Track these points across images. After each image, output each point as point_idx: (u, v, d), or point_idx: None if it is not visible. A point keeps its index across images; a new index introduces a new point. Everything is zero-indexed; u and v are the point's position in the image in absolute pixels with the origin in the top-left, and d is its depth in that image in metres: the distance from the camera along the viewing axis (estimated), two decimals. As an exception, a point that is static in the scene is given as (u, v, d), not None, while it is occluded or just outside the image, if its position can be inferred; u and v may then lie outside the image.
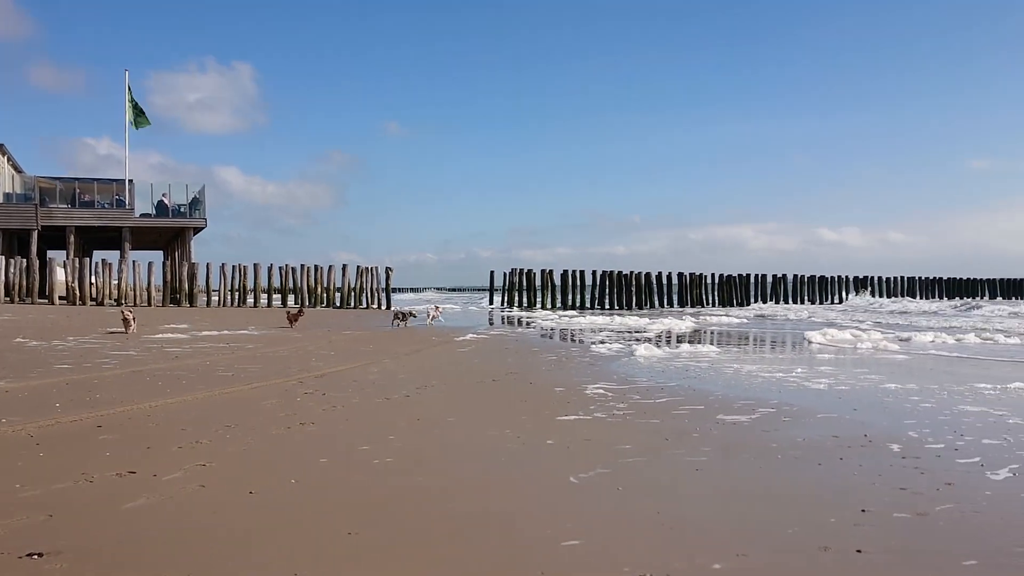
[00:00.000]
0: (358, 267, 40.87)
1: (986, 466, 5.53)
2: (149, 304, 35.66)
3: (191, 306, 36.04)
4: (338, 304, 39.92)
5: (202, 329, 20.02)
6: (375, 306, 40.48)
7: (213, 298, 38.28)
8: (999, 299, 60.62)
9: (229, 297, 37.77)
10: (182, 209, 40.92)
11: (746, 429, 6.97)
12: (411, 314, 23.65)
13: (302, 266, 39.55)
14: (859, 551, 3.75)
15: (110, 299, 35.84)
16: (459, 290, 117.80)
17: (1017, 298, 62.00)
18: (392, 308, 25.79)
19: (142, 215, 39.85)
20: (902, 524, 4.20)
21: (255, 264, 38.52)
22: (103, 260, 36.22)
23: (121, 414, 7.26)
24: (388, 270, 41.30)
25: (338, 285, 40.31)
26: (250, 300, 38.11)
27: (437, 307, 27.23)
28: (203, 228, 41.29)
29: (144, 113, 40.76)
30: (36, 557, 3.55)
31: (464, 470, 5.44)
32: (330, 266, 40.27)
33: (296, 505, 4.47)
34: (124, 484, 4.85)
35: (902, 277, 60.39)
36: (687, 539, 3.93)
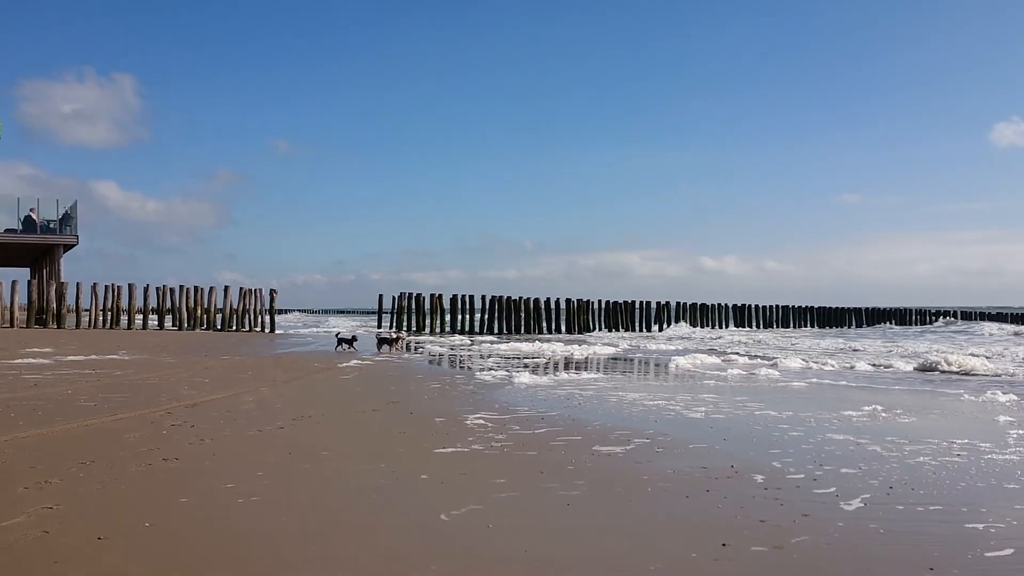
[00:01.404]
0: (241, 288, 39.69)
1: (840, 496, 5.78)
2: (12, 325, 33.56)
3: (59, 327, 34.12)
4: (219, 327, 38.61)
5: (68, 353, 18.95)
6: (258, 329, 39.35)
7: (84, 319, 36.36)
8: (864, 327, 64.22)
9: (101, 318, 35.98)
10: (52, 225, 38.83)
11: (620, 460, 7.08)
12: (354, 339, 23.67)
13: (181, 287, 38.12)
14: (716, 587, 3.84)
15: (-33, 319, 33.50)
16: (348, 312, 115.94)
17: (882, 324, 65.87)
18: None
19: (6, 231, 37.60)
20: (759, 558, 4.34)
21: (130, 284, 36.90)
22: (-39, 277, 33.87)
23: (-37, 451, 6.76)
24: (272, 292, 40.25)
25: (219, 307, 39.01)
26: (124, 321, 36.39)
27: (399, 334, 26.51)
28: (75, 245, 39.28)
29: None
30: None
31: (332, 509, 5.30)
32: (211, 287, 38.96)
33: (146, 552, 4.24)
34: (-43, 531, 4.49)
35: (777, 306, 63.16)
36: (552, 579, 3.94)
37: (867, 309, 69.48)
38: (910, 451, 7.61)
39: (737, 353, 24.78)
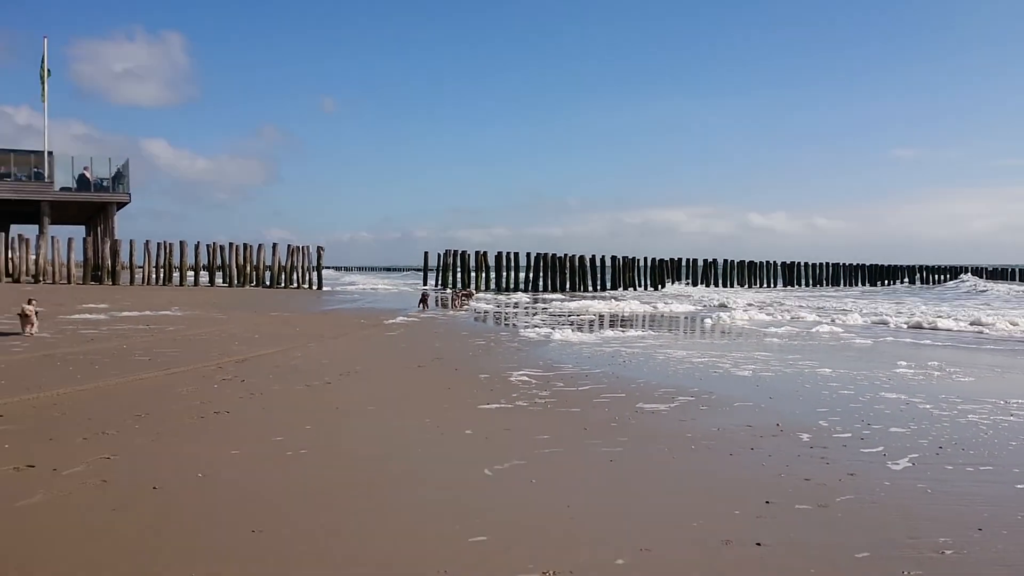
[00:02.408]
0: (289, 246, 40.16)
1: (888, 455, 5.71)
2: (69, 282, 34.48)
3: (113, 284, 34.97)
4: (268, 283, 39.22)
5: (122, 309, 19.44)
6: (305, 286, 39.89)
7: (137, 276, 37.19)
8: (917, 285, 62.85)
9: (154, 275, 36.76)
10: (105, 183, 39.59)
11: (664, 418, 7.07)
12: (425, 298, 24.01)
13: (231, 244, 38.70)
14: (759, 544, 3.83)
15: (27, 275, 34.50)
16: (394, 270, 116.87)
17: (935, 284, 64.37)
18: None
19: (62, 189, 38.43)
20: (803, 516, 4.32)
21: (181, 241, 37.55)
22: (20, 235, 34.83)
23: (24, 403, 7.00)
24: (320, 249, 40.69)
25: (268, 264, 39.57)
26: (176, 278, 37.17)
27: (468, 291, 26.95)
28: (127, 203, 40.05)
29: (44, 82, 39.19)
30: (-84, 561, 3.39)
31: (378, 462, 5.39)
32: (259, 244, 39.50)
33: (201, 501, 4.37)
34: (21, 479, 4.67)
35: (827, 263, 62.08)
36: (595, 533, 3.97)
37: (921, 267, 67.91)
38: (963, 411, 7.48)
39: (787, 311, 24.47)
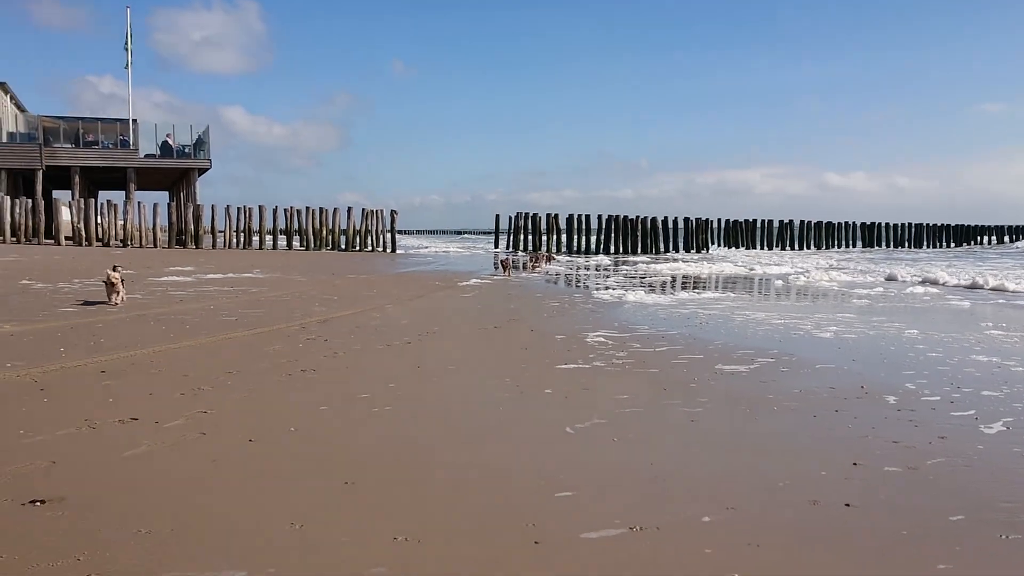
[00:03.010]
0: (363, 210, 40.75)
1: (980, 419, 5.56)
2: (155, 246, 35.73)
3: (197, 248, 36.10)
4: (343, 247, 39.93)
5: (207, 272, 20.09)
6: (380, 249, 40.48)
7: (219, 240, 38.29)
8: (1006, 245, 60.26)
9: (234, 239, 37.79)
10: (186, 150, 40.69)
11: (744, 379, 7.01)
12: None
13: (307, 208, 39.47)
14: (847, 505, 3.80)
15: (116, 240, 35.87)
16: (464, 233, 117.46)
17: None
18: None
19: (146, 155, 39.64)
20: (892, 478, 4.25)
21: (260, 206, 38.46)
22: (108, 201, 36.15)
23: (124, 359, 7.34)
24: (393, 213, 41.19)
25: (343, 227, 40.25)
26: (255, 242, 38.14)
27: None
28: (208, 169, 41.12)
29: (128, 52, 40.33)
30: (39, 504, 3.62)
31: (461, 419, 5.50)
32: (335, 209, 40.17)
33: (295, 453, 4.54)
34: (126, 431, 4.92)
35: (909, 223, 60.02)
36: (679, 491, 3.99)
37: (1010, 227, 65.09)
38: (1058, 375, 7.21)
39: (869, 272, 23.82)
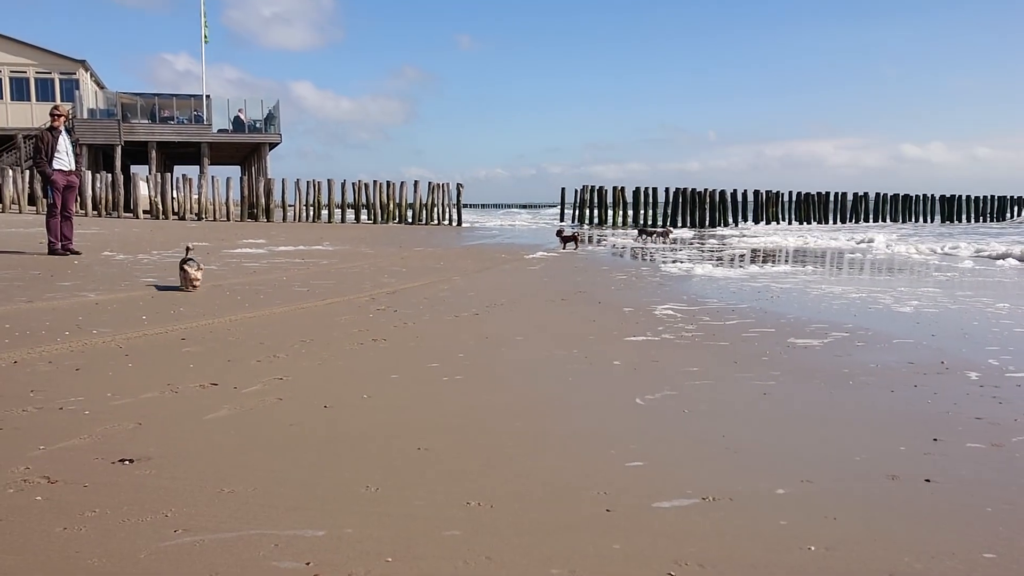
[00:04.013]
0: (429, 183, 41.07)
1: (1069, 397, 5.35)
2: (228, 219, 36.62)
3: (267, 221, 36.88)
4: (409, 220, 40.33)
5: (278, 244, 20.52)
6: (446, 222, 40.75)
7: (289, 213, 39.06)
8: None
9: (303, 212, 38.49)
10: (257, 125, 41.54)
11: (817, 353, 6.87)
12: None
13: (374, 182, 39.93)
14: (928, 480, 3.71)
15: (191, 213, 36.89)
16: (530, 207, 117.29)
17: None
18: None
19: (219, 131, 40.62)
20: (975, 454, 4.13)
21: (328, 180, 39.06)
22: (183, 175, 37.17)
23: (203, 327, 7.56)
24: (459, 186, 41.40)
25: (409, 201, 40.63)
26: (324, 215, 38.77)
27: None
28: (278, 144, 41.93)
29: (207, 28, 41.21)
30: (127, 463, 3.77)
31: (530, 389, 5.52)
32: (402, 182, 40.55)
33: (368, 420, 4.63)
34: (207, 395, 5.08)
35: (992, 196, 57.73)
36: (752, 463, 3.94)
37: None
38: None
39: (952, 245, 23.03)
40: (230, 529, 3.06)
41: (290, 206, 39.14)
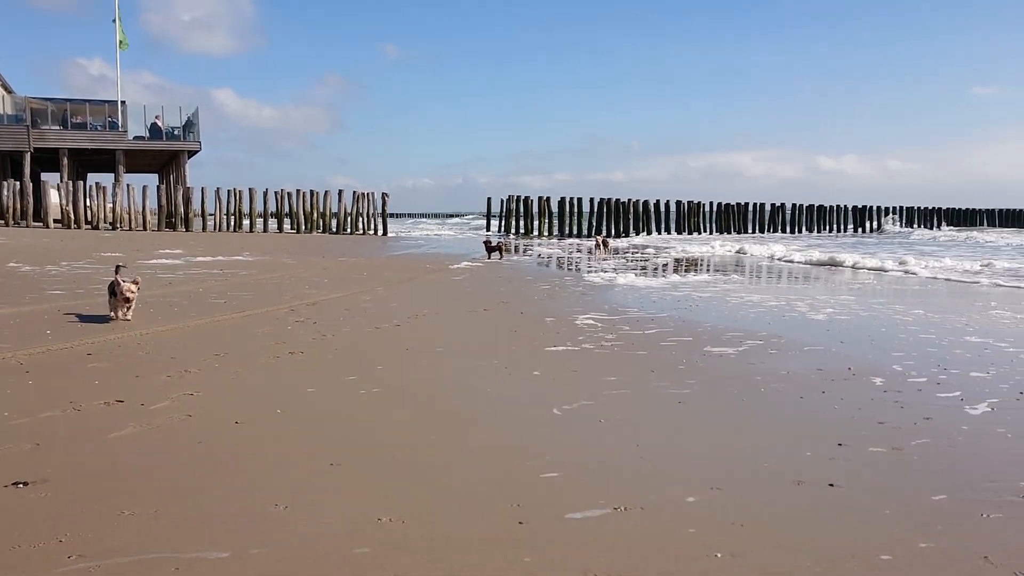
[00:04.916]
0: (354, 192, 40.62)
1: (966, 400, 5.59)
2: (144, 228, 35.54)
3: (186, 231, 35.93)
4: (334, 230, 39.81)
5: (196, 255, 20.00)
6: (371, 232, 40.38)
7: (208, 222, 38.12)
8: (999, 229, 60.46)
9: (224, 222, 37.63)
10: (176, 132, 40.42)
11: (732, 361, 7.02)
12: (502, 247, 22.17)
13: (298, 191, 39.30)
14: (832, 485, 3.81)
15: (105, 223, 35.66)
16: (457, 216, 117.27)
17: (1018, 227, 61.86)
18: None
19: (135, 137, 39.36)
20: (877, 458, 4.27)
21: (250, 188, 38.28)
22: (97, 183, 35.90)
23: (111, 342, 7.30)
24: (384, 196, 41.06)
25: (334, 210, 40.10)
26: (245, 225, 37.97)
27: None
28: (197, 151, 40.87)
29: (124, 34, 40.01)
30: (21, 486, 3.61)
31: (449, 401, 5.49)
32: (326, 191, 40.03)
33: (281, 435, 4.53)
34: (112, 413, 4.90)
35: (901, 207, 60.12)
36: (664, 472, 4.00)
37: (1001, 210, 65.26)
38: (1045, 356, 7.24)
39: (864, 255, 23.86)
40: (128, 553, 2.95)
41: (210, 215, 38.18)
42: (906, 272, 18.08)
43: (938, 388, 5.97)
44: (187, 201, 36.73)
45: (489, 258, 21.33)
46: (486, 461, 4.14)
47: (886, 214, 58.84)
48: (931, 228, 59.08)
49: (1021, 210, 66.37)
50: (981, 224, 62.92)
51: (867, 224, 57.41)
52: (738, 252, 26.70)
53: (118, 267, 8.87)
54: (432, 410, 5.19)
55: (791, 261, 22.39)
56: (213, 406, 5.14)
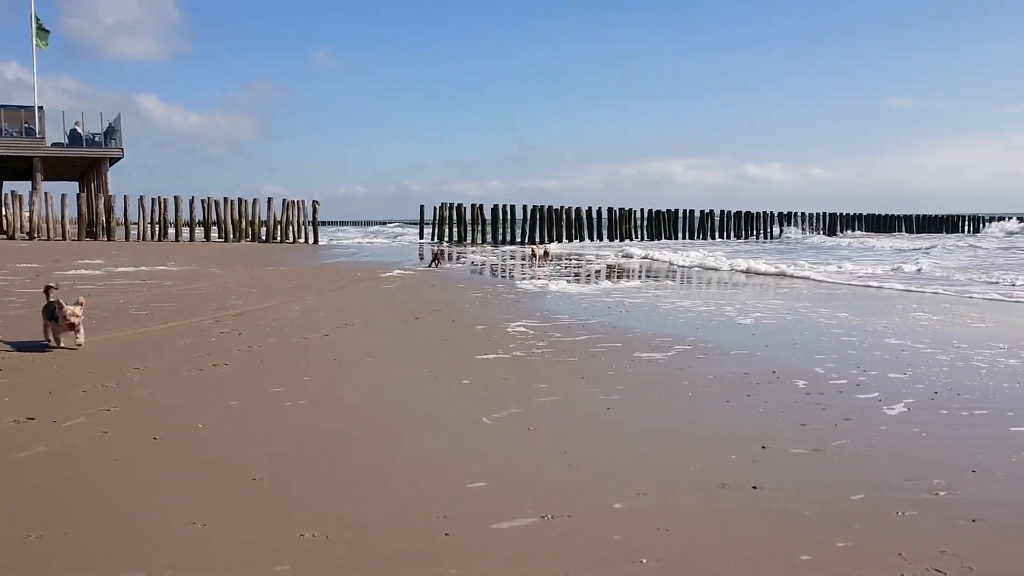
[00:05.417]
0: (284, 200, 40.04)
1: (884, 400, 5.75)
2: (64, 238, 34.37)
3: (108, 240, 34.87)
4: (263, 238, 39.13)
5: (118, 265, 19.40)
6: (301, 240, 39.82)
7: (132, 232, 37.08)
8: (917, 234, 62.73)
9: (149, 231, 36.67)
10: (97, 138, 39.23)
11: (661, 366, 7.10)
12: (444, 255, 22.11)
13: (225, 199, 38.54)
14: (755, 487, 3.87)
15: (21, 232, 34.36)
16: (391, 223, 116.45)
17: (935, 233, 64.33)
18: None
19: (54, 144, 38.07)
20: (799, 460, 4.36)
21: (176, 197, 37.41)
22: (12, 192, 34.61)
23: (23, 357, 7.01)
24: (315, 203, 40.57)
25: (263, 219, 39.44)
26: (171, 234, 37.05)
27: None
28: (120, 158, 39.74)
29: (46, 33, 38.66)
30: (-81, 511, 3.42)
31: (377, 412, 5.42)
32: (255, 199, 39.37)
33: (202, 451, 4.40)
34: (21, 431, 4.69)
35: (824, 213, 61.96)
36: (592, 479, 4.00)
37: (918, 216, 67.82)
38: (963, 355, 7.52)
39: (792, 261, 24.47)
40: (33, 579, 2.81)
41: (134, 224, 37.16)
42: (794, 277, 18.61)
43: (858, 389, 6.13)
44: (109, 210, 35.68)
45: (430, 266, 21.24)
46: (414, 472, 4.08)
47: (810, 220, 60.52)
48: (836, 234, 60.95)
49: (937, 216, 69.09)
50: (900, 230, 65.26)
51: (772, 230, 58.94)
52: (645, 258, 27.11)
53: (48, 287, 7.83)
54: (359, 421, 5.12)
55: (684, 266, 22.85)
56: (130, 422, 4.97)
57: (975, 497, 3.76)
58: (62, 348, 7.40)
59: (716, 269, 21.59)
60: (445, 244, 42.59)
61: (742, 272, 20.25)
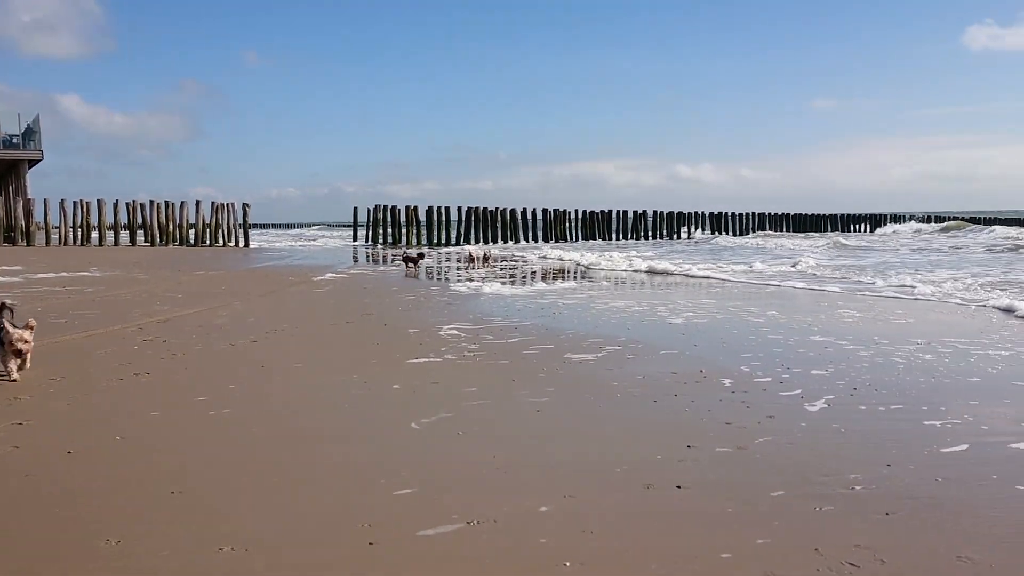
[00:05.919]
0: (213, 203, 39.19)
1: (805, 398, 5.90)
2: (-20, 243, 33.02)
3: (28, 245, 33.65)
4: (192, 242, 38.25)
5: (37, 271, 18.73)
6: (232, 244, 39.04)
7: (53, 236, 35.84)
8: (845, 233, 64.61)
9: (71, 235, 35.49)
10: (14, 140, 37.80)
11: (591, 367, 7.16)
12: (421, 256, 21.77)
13: (152, 202, 37.56)
14: (679, 487, 3.93)
15: (-66, 238, 32.91)
16: (322, 226, 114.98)
17: (860, 230, 66.39)
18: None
19: (-33, 146, 36.55)
20: (722, 458, 4.43)
21: (99, 200, 36.31)
22: (-77, 195, 33.10)
23: (-70, 369, 6.69)
24: (245, 206, 39.80)
25: (192, 222, 38.55)
26: (94, 238, 35.93)
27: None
28: (40, 160, 38.37)
29: None
30: None
31: (303, 419, 5.33)
32: (182, 202, 38.46)
33: (118, 464, 4.27)
34: (-75, 448, 4.48)
35: (752, 213, 63.33)
36: (519, 482, 4.01)
37: (842, 215, 69.83)
38: (887, 351, 7.75)
39: (728, 261, 24.94)
40: (-68, 605, 2.69)
41: (55, 228, 35.93)
42: (709, 278, 19.03)
43: (781, 387, 6.28)
44: (28, 214, 34.43)
45: (413, 273, 20.47)
46: (338, 480, 4.03)
47: (740, 221, 61.80)
48: (748, 233, 62.45)
49: (860, 215, 71.25)
50: (826, 229, 67.09)
51: (723, 230, 60.11)
52: (580, 260, 27.41)
53: (1, 305, 6.73)
54: (284, 429, 5.03)
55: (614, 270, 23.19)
56: (45, 436, 4.79)
57: (889, 491, 3.88)
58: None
59: (635, 271, 21.89)
60: (379, 247, 42.21)
61: (658, 273, 20.58)
